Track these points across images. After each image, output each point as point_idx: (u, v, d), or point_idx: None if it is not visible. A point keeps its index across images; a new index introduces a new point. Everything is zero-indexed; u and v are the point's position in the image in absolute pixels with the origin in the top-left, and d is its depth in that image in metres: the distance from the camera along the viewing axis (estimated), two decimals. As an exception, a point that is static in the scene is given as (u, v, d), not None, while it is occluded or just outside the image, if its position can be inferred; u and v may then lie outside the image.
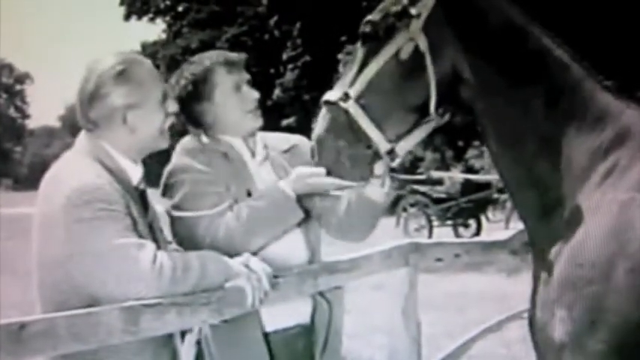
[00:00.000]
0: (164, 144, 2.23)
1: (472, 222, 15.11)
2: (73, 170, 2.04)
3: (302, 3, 25.37)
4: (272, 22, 28.80)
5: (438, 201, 14.88)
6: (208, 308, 2.03)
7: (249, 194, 2.40)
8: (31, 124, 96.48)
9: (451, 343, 4.32)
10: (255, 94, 2.48)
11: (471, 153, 20.68)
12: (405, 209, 15.08)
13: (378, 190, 2.37)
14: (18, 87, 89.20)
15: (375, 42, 2.17)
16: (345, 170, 2.20)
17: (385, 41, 2.15)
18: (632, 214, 1.85)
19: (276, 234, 2.37)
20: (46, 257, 2.01)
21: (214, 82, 2.42)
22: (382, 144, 2.16)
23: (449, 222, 14.94)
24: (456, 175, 15.80)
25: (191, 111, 2.44)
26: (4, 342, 1.61)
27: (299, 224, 2.44)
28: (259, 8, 30.13)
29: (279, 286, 2.21)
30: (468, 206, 14.81)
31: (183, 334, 2.30)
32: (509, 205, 13.54)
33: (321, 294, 2.50)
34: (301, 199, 2.37)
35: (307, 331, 2.46)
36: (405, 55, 2.14)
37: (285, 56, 28.17)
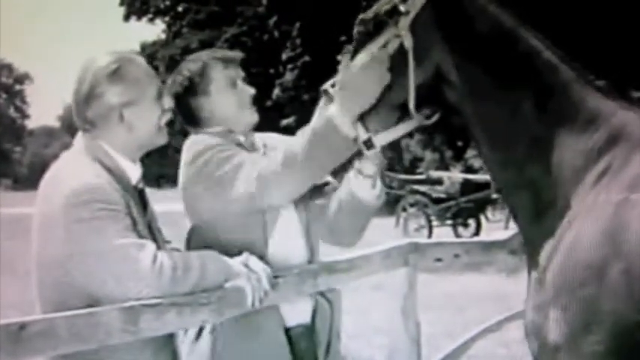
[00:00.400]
0: (162, 140, 2.23)
1: (472, 222, 15.09)
2: (73, 170, 2.04)
3: (302, 3, 25.37)
4: (271, 22, 28.80)
5: (437, 201, 14.87)
6: (208, 308, 2.03)
7: None
8: (31, 124, 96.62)
9: (451, 343, 4.31)
10: (251, 90, 2.50)
11: (470, 153, 20.69)
12: (404, 209, 15.07)
13: (369, 191, 2.38)
14: (18, 87, 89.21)
15: (365, 37, 2.20)
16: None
17: (374, 37, 2.18)
18: (625, 214, 1.84)
19: (322, 174, 2.30)
20: (45, 257, 2.01)
21: (210, 76, 2.43)
22: (360, 132, 2.16)
23: (448, 222, 14.93)
24: (455, 175, 15.81)
25: (188, 107, 2.45)
26: (3, 342, 1.61)
27: (299, 223, 2.44)
28: (259, 8, 30.14)
29: (278, 286, 2.22)
30: (468, 206, 14.80)
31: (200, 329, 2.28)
32: (508, 205, 13.51)
33: (322, 294, 2.50)
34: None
35: (309, 331, 2.45)
36: (390, 50, 2.15)
37: (284, 56, 28.17)
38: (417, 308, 3.30)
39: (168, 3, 38.27)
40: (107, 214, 1.95)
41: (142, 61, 2.22)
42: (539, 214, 2.07)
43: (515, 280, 7.94)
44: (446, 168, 19.92)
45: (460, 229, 15.00)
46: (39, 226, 2.04)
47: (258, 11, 30.55)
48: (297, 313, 2.43)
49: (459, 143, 21.49)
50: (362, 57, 2.18)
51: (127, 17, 39.48)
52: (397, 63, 2.15)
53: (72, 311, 1.79)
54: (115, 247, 1.91)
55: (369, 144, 2.18)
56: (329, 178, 2.48)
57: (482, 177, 14.87)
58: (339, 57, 2.37)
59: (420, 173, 18.02)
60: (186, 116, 2.48)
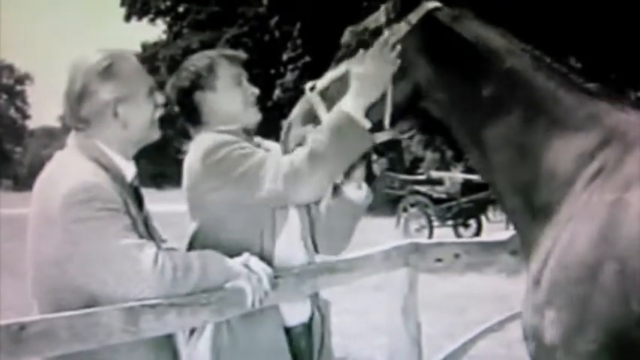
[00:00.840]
0: (155, 135, 2.23)
1: (472, 222, 15.09)
2: (69, 170, 2.02)
3: (303, 4, 25.35)
4: (272, 22, 28.78)
5: (438, 201, 14.87)
6: (208, 309, 2.03)
7: None
8: (32, 124, 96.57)
9: (451, 343, 4.32)
10: (255, 90, 2.52)
11: (471, 153, 20.63)
12: (405, 209, 15.07)
13: (356, 192, 2.45)
14: (18, 88, 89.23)
15: (348, 50, 2.36)
16: None
17: (356, 51, 2.32)
18: (619, 214, 1.85)
19: (344, 168, 2.33)
20: (42, 257, 1.99)
21: (218, 73, 2.44)
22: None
23: (449, 222, 14.92)
24: (456, 175, 15.78)
25: (192, 102, 2.43)
26: (4, 342, 1.61)
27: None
28: (260, 9, 30.11)
29: (279, 287, 2.21)
30: (468, 206, 14.79)
31: None
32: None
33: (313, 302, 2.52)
34: None
35: (308, 329, 2.47)
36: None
37: (285, 57, 28.15)
38: (418, 308, 3.30)
39: (169, 3, 38.24)
40: (107, 213, 1.94)
41: (132, 56, 2.21)
42: (534, 217, 2.10)
43: (516, 280, 7.94)
44: (447, 168, 19.88)
45: (461, 230, 15.00)
46: (35, 226, 2.02)
47: (259, 12, 30.53)
48: (297, 312, 2.43)
49: (460, 143, 21.46)
50: (341, 69, 2.34)
51: (127, 18, 39.45)
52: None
53: (72, 312, 1.78)
54: (116, 247, 1.91)
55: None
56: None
57: (483, 177, 14.83)
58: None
59: (421, 173, 18.03)
60: (189, 112, 2.46)
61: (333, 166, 2.25)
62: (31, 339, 1.65)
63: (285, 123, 2.43)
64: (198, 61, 2.47)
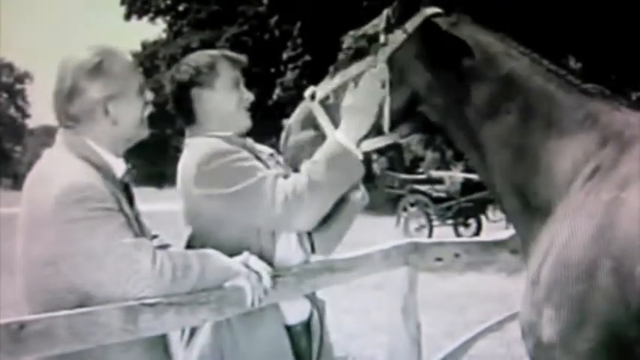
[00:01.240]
0: (144, 133, 2.21)
1: (472, 221, 15.09)
2: (60, 169, 1.99)
3: (302, 3, 25.34)
4: (272, 21, 28.77)
5: (438, 200, 14.87)
6: (207, 307, 2.03)
7: None
8: (32, 123, 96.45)
9: (451, 342, 4.31)
10: (251, 96, 2.52)
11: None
12: (405, 209, 15.07)
13: (354, 192, 2.45)
14: (18, 86, 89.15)
15: (347, 56, 2.39)
16: (307, 156, 2.35)
17: (354, 60, 2.36)
18: (616, 213, 1.86)
19: (338, 196, 2.35)
20: (34, 257, 1.96)
21: (218, 72, 2.44)
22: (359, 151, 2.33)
23: (449, 221, 14.92)
24: (456, 175, 15.78)
25: (188, 98, 2.42)
26: (3, 341, 1.60)
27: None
28: (260, 8, 30.10)
29: (278, 285, 2.21)
30: (468, 206, 14.79)
31: None
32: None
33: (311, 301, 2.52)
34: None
35: (307, 328, 2.47)
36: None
37: (285, 56, 28.14)
38: (418, 308, 3.30)
39: (169, 2, 38.22)
40: (101, 213, 1.92)
41: (122, 54, 2.18)
42: (532, 217, 2.11)
43: (516, 279, 7.94)
44: (447, 167, 19.87)
45: (461, 229, 15.00)
46: (26, 226, 1.99)
47: (259, 11, 30.51)
48: (297, 311, 2.44)
49: (460, 143, 21.46)
50: (339, 78, 2.37)
51: (127, 16, 39.43)
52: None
53: (71, 311, 1.78)
54: (113, 247, 1.89)
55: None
56: None
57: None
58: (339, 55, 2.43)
59: (421, 173, 18.02)
60: (183, 108, 2.45)
61: (329, 196, 2.30)
62: (31, 338, 1.65)
63: (285, 125, 2.45)
64: (200, 57, 2.47)
